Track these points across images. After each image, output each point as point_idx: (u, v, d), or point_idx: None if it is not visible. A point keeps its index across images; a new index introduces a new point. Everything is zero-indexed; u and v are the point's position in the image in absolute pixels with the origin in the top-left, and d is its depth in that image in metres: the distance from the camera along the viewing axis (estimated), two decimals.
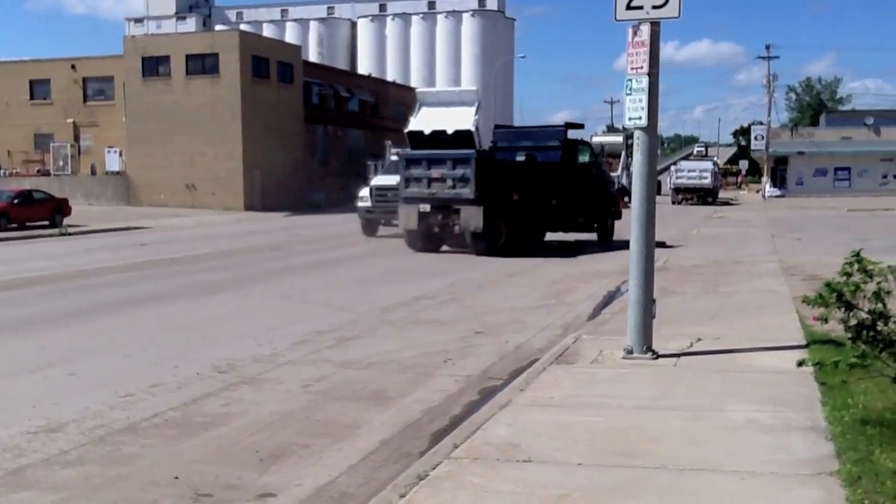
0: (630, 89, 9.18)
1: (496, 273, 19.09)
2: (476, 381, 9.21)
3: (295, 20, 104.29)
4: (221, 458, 6.73)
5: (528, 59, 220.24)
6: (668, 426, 6.84)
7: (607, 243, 25.49)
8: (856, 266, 6.47)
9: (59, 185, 48.72)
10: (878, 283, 6.35)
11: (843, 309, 6.43)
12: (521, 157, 25.12)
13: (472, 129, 24.37)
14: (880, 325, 6.32)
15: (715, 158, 72.46)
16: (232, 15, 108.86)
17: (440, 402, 8.36)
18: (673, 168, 64.30)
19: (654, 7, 8.95)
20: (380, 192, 28.86)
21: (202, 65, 50.15)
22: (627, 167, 42.85)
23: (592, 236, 26.39)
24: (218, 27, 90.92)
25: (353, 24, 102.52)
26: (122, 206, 49.77)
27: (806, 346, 9.52)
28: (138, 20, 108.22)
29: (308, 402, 8.31)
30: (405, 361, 10.11)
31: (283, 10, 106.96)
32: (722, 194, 67.10)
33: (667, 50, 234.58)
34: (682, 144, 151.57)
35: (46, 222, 35.09)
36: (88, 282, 18.06)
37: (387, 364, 9.99)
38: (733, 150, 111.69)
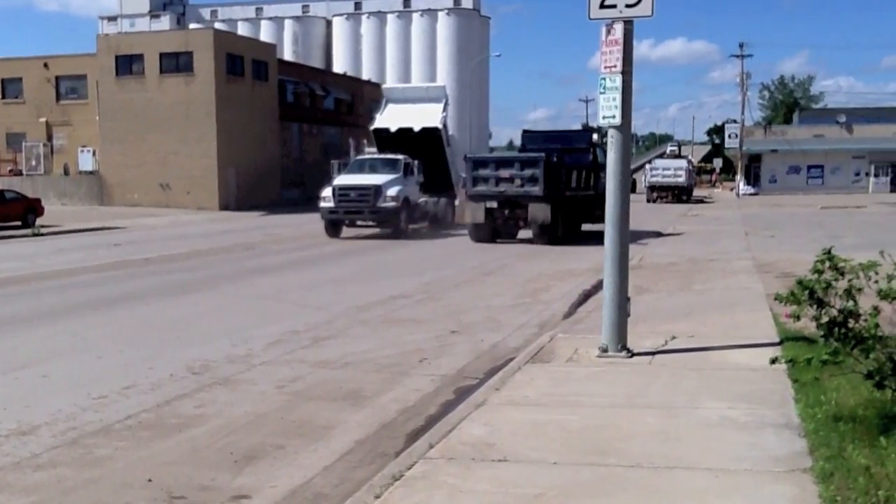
0: (604, 88, 9.21)
1: (472, 272, 19.13)
2: (452, 380, 9.22)
3: (270, 18, 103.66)
4: (195, 459, 6.69)
5: (503, 57, 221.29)
6: (642, 424, 6.87)
7: None
8: (827, 264, 6.52)
9: (31, 185, 48.31)
10: (850, 280, 6.40)
11: (815, 306, 6.48)
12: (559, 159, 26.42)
13: (440, 126, 24.27)
14: (851, 323, 6.36)
15: (689, 157, 72.91)
16: (206, 13, 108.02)
17: (416, 401, 8.36)
18: (648, 166, 64.52)
19: (628, 6, 8.98)
20: (342, 192, 27.81)
21: (176, 63, 49.77)
22: None
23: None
24: (192, 25, 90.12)
25: (329, 23, 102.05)
26: (95, 206, 49.36)
27: (779, 344, 9.59)
28: (112, 18, 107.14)
29: (283, 403, 8.28)
30: (381, 361, 10.09)
31: (257, 9, 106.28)
32: (696, 192, 67.39)
33: (641, 48, 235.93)
34: (656, 143, 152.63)
35: (19, 223, 34.68)
36: (62, 282, 17.90)
37: (362, 364, 9.97)
38: (708, 148, 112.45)
